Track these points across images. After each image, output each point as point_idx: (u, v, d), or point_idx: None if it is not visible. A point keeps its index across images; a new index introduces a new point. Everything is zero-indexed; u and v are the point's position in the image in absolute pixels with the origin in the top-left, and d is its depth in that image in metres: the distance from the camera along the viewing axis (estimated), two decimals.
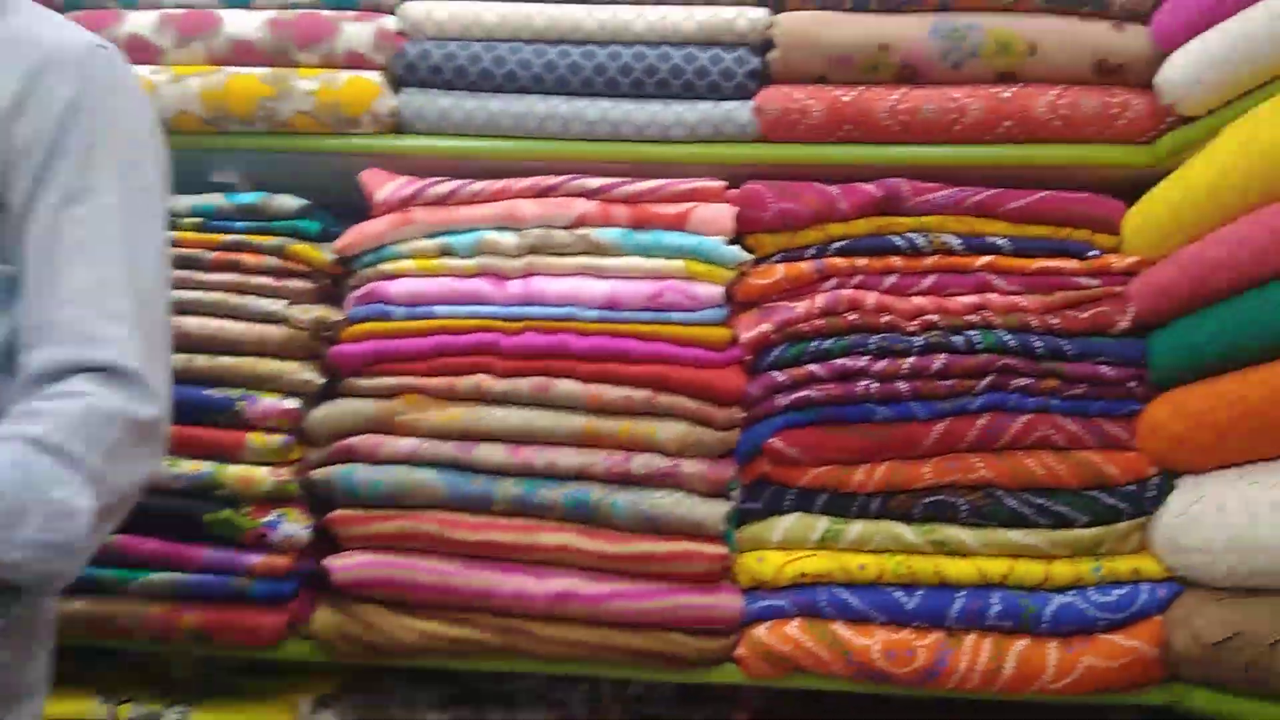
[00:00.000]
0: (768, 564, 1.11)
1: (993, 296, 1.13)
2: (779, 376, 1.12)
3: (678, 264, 1.15)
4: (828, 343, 1.12)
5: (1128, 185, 1.16)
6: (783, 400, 1.12)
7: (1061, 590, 1.07)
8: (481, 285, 1.18)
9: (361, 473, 1.14)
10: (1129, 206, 1.15)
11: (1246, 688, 0.93)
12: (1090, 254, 1.14)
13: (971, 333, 1.11)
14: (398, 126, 1.24)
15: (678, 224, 1.16)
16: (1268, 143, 0.92)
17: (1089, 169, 1.18)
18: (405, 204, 1.19)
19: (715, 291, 1.15)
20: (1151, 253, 1.11)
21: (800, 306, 1.14)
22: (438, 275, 1.19)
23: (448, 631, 1.12)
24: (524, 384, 1.14)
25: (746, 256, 1.16)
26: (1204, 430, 0.99)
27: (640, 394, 1.13)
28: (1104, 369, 1.09)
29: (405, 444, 1.14)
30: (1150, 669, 1.04)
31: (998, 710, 1.11)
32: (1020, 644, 1.06)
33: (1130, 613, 1.05)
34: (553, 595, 1.10)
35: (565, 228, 1.17)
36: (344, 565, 1.13)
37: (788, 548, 1.12)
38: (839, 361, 1.11)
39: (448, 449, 1.14)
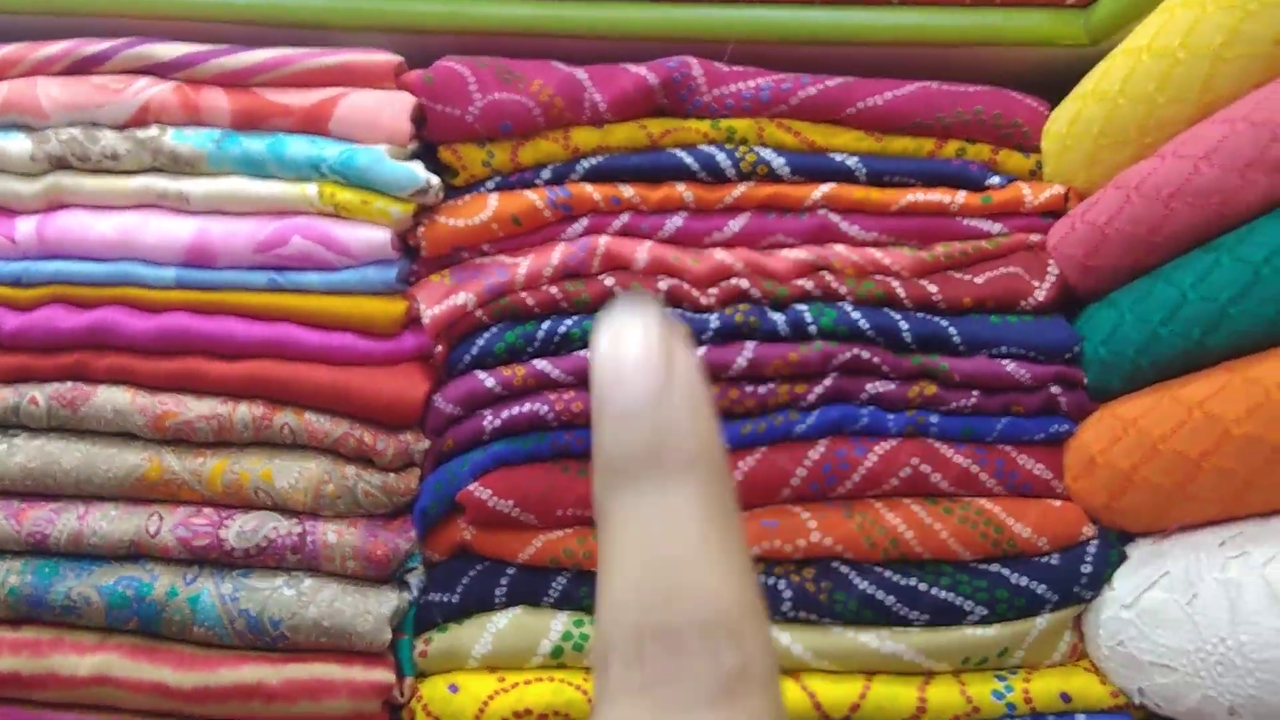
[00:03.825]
0: (466, 697, 0.65)
1: (838, 249, 0.70)
2: (486, 380, 0.67)
3: (310, 190, 0.68)
4: (568, 324, 0.68)
5: (1053, 72, 0.73)
6: (493, 420, 0.67)
7: None
8: None
9: None
10: (1053, 107, 0.72)
11: None
12: (991, 182, 0.72)
13: (801, 307, 0.68)
14: None
15: (314, 123, 0.69)
16: None
17: (991, 46, 0.72)
18: None
19: (378, 238, 0.68)
20: (1085, 178, 0.69)
21: (525, 264, 0.69)
22: None
23: None
24: (38, 395, 0.66)
25: (435, 180, 0.69)
26: (1170, 465, 0.59)
27: (244, 410, 0.66)
28: (1010, 366, 0.67)
29: None
30: None
31: None
32: None
33: None
34: None
35: (118, 127, 0.69)
36: None
37: (500, 667, 0.67)
38: (586, 354, 0.66)
39: None
